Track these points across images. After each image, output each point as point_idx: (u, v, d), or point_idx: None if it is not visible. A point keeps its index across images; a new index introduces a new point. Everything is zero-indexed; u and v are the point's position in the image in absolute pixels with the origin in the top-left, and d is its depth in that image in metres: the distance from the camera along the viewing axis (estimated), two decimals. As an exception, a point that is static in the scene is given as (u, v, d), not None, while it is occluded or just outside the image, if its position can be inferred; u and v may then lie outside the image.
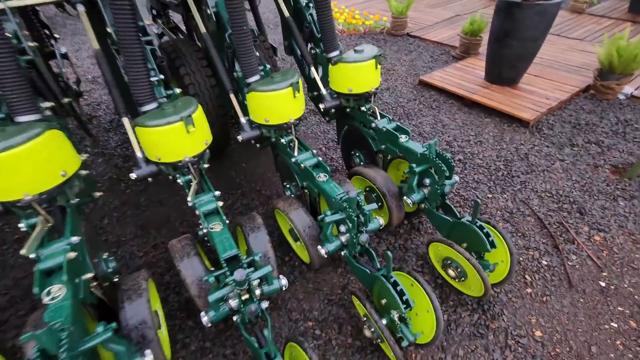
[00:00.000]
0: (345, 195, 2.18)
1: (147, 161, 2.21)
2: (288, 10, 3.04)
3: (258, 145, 2.90)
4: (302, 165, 2.39)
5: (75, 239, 1.70)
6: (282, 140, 2.53)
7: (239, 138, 2.54)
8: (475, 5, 8.88)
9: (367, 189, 2.84)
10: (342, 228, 2.17)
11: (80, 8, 2.32)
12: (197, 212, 2.11)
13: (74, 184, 1.90)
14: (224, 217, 2.09)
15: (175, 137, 2.01)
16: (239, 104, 2.67)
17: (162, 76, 2.44)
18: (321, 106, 2.84)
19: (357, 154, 3.17)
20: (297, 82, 2.36)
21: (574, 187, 3.34)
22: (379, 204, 2.80)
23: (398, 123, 2.73)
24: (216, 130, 3.44)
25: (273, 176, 3.66)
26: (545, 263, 2.69)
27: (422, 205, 2.57)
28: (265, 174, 3.72)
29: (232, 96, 2.64)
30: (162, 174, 2.25)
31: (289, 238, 2.81)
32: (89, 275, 1.73)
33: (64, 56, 4.40)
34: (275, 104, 2.36)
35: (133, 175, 2.17)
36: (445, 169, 2.31)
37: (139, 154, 2.22)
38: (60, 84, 3.74)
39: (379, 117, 2.77)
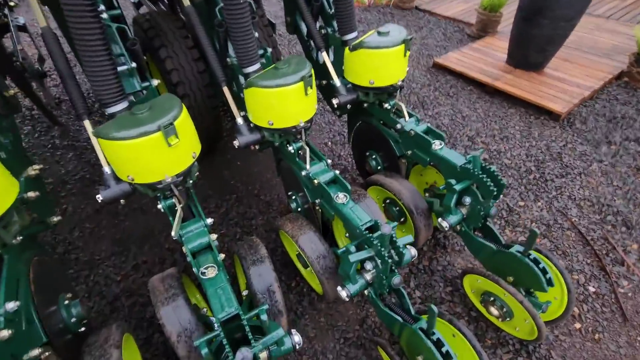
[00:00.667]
0: (373, 223, 1.73)
1: (118, 179, 1.71)
2: (293, -21, 2.45)
3: (257, 147, 2.41)
4: (315, 180, 1.92)
5: (11, 306, 1.22)
6: (290, 148, 2.03)
7: (235, 144, 2.03)
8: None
9: (387, 200, 2.40)
10: (368, 265, 1.73)
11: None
12: (184, 249, 1.64)
13: (12, 219, 1.40)
14: (219, 256, 1.62)
15: (151, 153, 1.51)
16: (233, 98, 2.14)
17: (134, 64, 1.89)
18: (334, 101, 2.32)
19: (374, 156, 2.69)
20: (310, 76, 1.84)
21: (615, 194, 2.94)
22: (402, 219, 2.37)
23: (429, 125, 2.24)
24: (207, 124, 2.92)
25: (273, 177, 3.18)
26: (592, 290, 2.33)
27: (458, 227, 2.14)
28: (263, 174, 3.23)
29: (225, 89, 2.11)
30: (138, 193, 1.76)
31: (297, 263, 2.37)
32: (36, 351, 1.27)
33: (22, 29, 3.73)
34: (282, 103, 1.85)
35: (99, 198, 1.67)
36: (493, 187, 1.86)
37: (106, 169, 1.71)
38: (15, 65, 3.12)
39: (406, 117, 2.27)
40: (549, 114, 3.77)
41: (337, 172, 1.97)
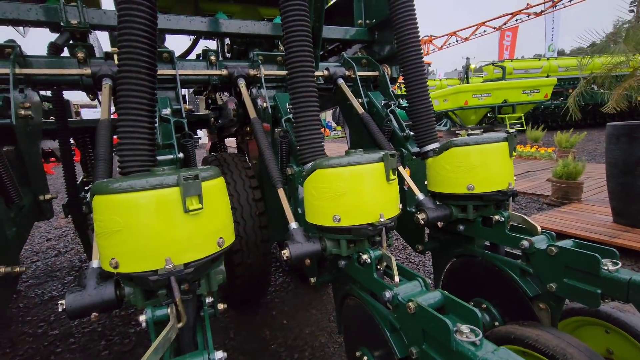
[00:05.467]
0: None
1: (102, 277, 1.12)
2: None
3: (312, 280, 1.73)
4: (410, 304, 1.11)
5: None
6: (365, 258, 1.34)
7: (284, 255, 1.41)
8: (542, 165, 8.32)
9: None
10: None
11: (107, 83, 1.80)
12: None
13: None
14: None
15: (154, 217, 0.97)
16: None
17: (181, 154, 1.62)
18: (420, 217, 1.73)
19: (487, 306, 1.78)
20: (393, 156, 1.38)
21: None
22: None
23: (576, 240, 1.47)
24: (252, 262, 2.37)
25: (330, 342, 2.24)
26: None
27: None
28: (317, 337, 2.31)
29: (280, 191, 1.69)
30: (123, 306, 1.10)
31: None
32: None
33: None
34: (355, 188, 1.33)
35: (62, 305, 1.05)
36: None
37: (93, 263, 1.16)
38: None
39: (538, 229, 1.55)
40: None
41: (446, 292, 1.16)
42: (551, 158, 8.17)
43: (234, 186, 2.43)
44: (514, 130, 1.74)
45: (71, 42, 1.96)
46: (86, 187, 3.52)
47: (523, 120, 12.38)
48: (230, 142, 4.62)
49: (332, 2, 3.16)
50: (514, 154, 1.71)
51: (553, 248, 1.42)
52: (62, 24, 1.83)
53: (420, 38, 1.97)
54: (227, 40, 2.75)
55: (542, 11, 19.28)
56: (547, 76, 14.75)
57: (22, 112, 1.60)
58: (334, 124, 26.78)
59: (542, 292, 1.53)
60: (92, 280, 1.11)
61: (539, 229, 1.54)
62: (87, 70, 1.78)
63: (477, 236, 1.79)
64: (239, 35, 2.40)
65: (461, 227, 1.83)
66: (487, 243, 1.81)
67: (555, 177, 4.95)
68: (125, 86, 1.26)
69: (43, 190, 1.86)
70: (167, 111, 1.74)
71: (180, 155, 1.62)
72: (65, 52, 2.09)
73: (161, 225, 0.98)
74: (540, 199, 5.35)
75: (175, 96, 2.00)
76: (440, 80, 22.64)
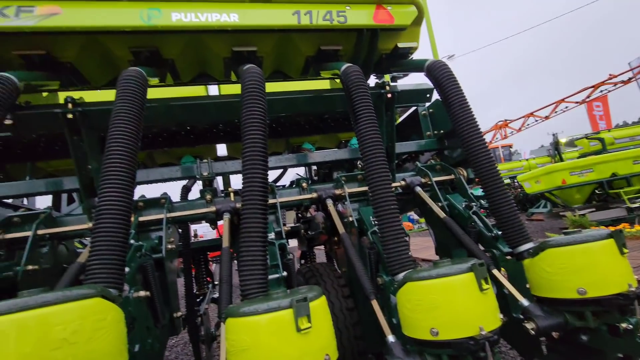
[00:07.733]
0: None
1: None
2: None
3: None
4: None
5: None
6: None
7: (384, 372, 1.43)
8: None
9: None
10: None
11: (227, 217, 2.27)
12: None
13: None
14: None
15: (275, 337, 1.15)
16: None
17: (285, 273, 1.87)
18: (529, 327, 1.61)
19: None
20: (482, 265, 1.41)
21: None
22: None
23: None
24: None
25: None
26: None
27: None
28: None
29: (374, 302, 1.77)
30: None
31: None
32: None
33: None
34: (448, 300, 1.37)
35: None
36: None
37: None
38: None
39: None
40: None
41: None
42: (699, 237, 6.63)
43: (328, 296, 2.55)
44: (637, 204, 1.62)
45: (201, 187, 2.56)
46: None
47: (645, 193, 10.59)
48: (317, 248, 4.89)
49: (400, 120, 3.58)
50: (625, 250, 1.58)
51: None
52: (196, 176, 2.44)
53: (485, 142, 2.12)
54: (315, 166, 3.25)
55: (630, 79, 18.04)
56: (661, 141, 12.95)
57: (169, 246, 2.09)
58: (416, 217, 26.14)
59: None
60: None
61: (683, 340, 1.31)
62: (213, 208, 2.28)
63: (606, 348, 1.56)
64: (324, 163, 2.84)
65: (584, 338, 1.63)
66: (621, 355, 1.55)
67: None
68: (247, 222, 1.61)
69: (176, 308, 2.24)
70: (272, 235, 2.07)
71: (284, 273, 1.87)
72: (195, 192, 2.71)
73: (277, 344, 1.15)
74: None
75: (276, 220, 2.37)
76: (527, 160, 21.32)
